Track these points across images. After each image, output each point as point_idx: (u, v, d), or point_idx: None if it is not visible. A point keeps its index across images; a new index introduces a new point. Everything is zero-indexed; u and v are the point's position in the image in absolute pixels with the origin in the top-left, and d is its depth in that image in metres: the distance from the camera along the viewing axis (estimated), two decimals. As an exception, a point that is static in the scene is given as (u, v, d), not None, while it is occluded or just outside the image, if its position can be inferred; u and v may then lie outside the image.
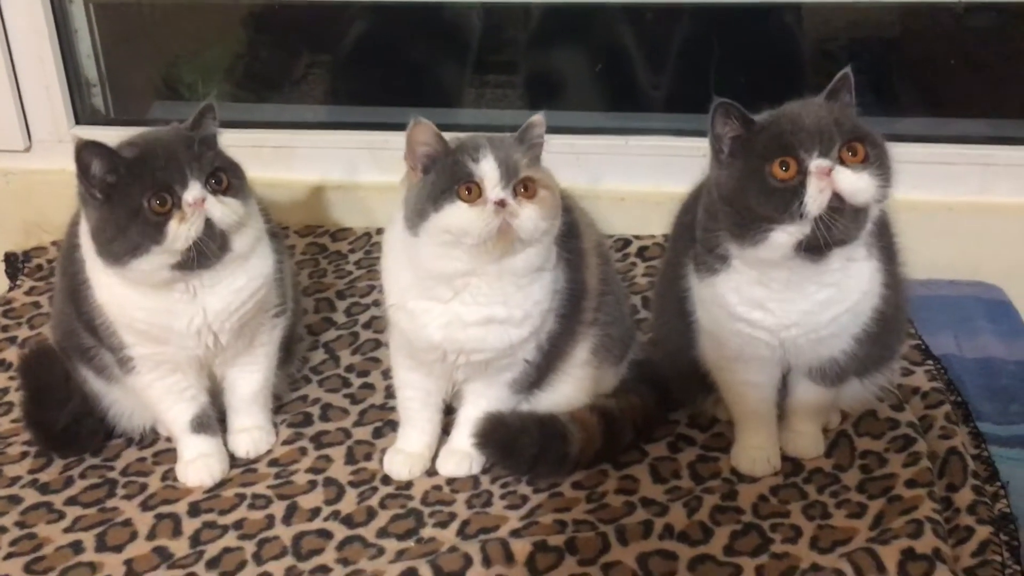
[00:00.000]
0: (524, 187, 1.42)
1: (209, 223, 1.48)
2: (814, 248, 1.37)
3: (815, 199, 1.33)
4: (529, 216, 1.41)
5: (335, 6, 2.59)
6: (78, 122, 2.39)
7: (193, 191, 1.47)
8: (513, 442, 1.54)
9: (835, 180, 1.33)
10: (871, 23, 2.43)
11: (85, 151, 1.46)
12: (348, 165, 2.32)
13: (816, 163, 1.34)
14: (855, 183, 1.34)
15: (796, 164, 1.35)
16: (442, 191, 1.41)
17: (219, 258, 1.51)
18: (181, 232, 1.46)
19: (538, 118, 1.48)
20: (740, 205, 1.39)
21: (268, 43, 2.66)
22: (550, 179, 1.48)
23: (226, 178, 1.51)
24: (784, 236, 1.36)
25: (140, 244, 1.46)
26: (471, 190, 1.40)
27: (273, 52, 2.65)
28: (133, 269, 1.48)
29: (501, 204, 1.39)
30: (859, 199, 1.34)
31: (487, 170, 1.40)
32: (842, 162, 1.35)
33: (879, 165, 1.36)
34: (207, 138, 1.53)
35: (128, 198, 1.46)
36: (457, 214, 1.40)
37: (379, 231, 2.15)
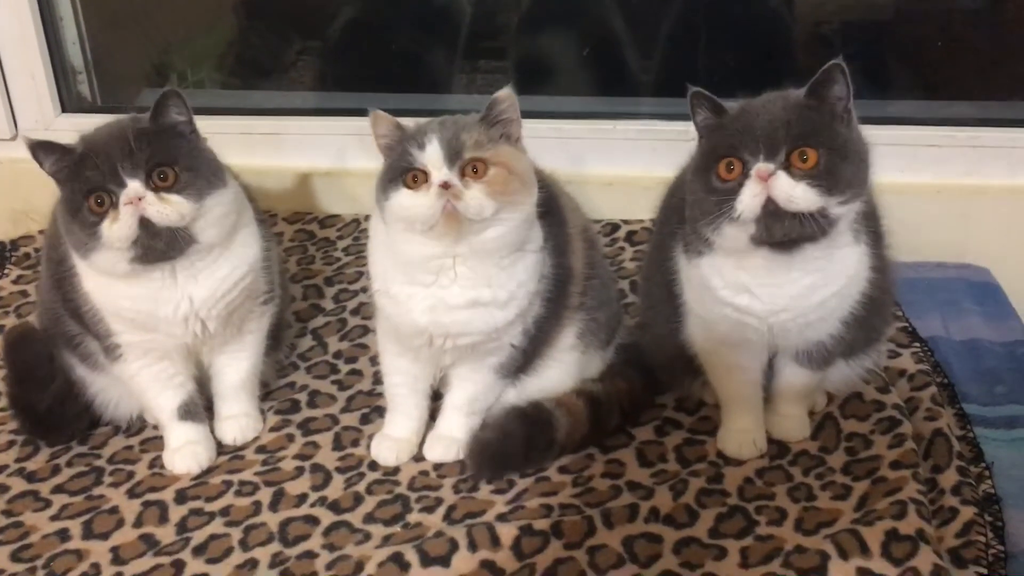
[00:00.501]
0: (474, 168, 1.41)
1: (149, 221, 1.42)
2: (774, 243, 1.36)
3: (745, 203, 1.33)
4: (473, 196, 1.39)
5: (326, -9, 2.58)
6: (64, 110, 2.38)
7: (128, 190, 1.42)
8: (502, 450, 1.54)
9: (770, 186, 1.31)
10: (862, 6, 2.42)
11: (37, 151, 1.45)
12: (337, 152, 2.31)
13: (757, 167, 1.33)
14: (789, 191, 1.31)
15: (741, 166, 1.34)
16: (391, 180, 1.42)
17: (181, 251, 1.47)
18: (113, 233, 1.42)
19: (502, 93, 1.45)
20: (692, 196, 1.41)
21: (259, 29, 2.65)
22: (508, 156, 1.44)
23: (172, 173, 1.44)
24: (733, 230, 1.36)
25: (84, 242, 1.44)
26: (417, 177, 1.40)
27: (263, 38, 2.64)
28: (93, 263, 1.47)
29: (445, 187, 1.38)
30: (793, 207, 1.32)
31: (431, 155, 1.40)
32: (790, 166, 1.33)
33: (830, 173, 1.32)
34: (161, 130, 1.47)
35: (73, 196, 1.44)
36: (402, 201, 1.41)
37: (367, 218, 2.13)
